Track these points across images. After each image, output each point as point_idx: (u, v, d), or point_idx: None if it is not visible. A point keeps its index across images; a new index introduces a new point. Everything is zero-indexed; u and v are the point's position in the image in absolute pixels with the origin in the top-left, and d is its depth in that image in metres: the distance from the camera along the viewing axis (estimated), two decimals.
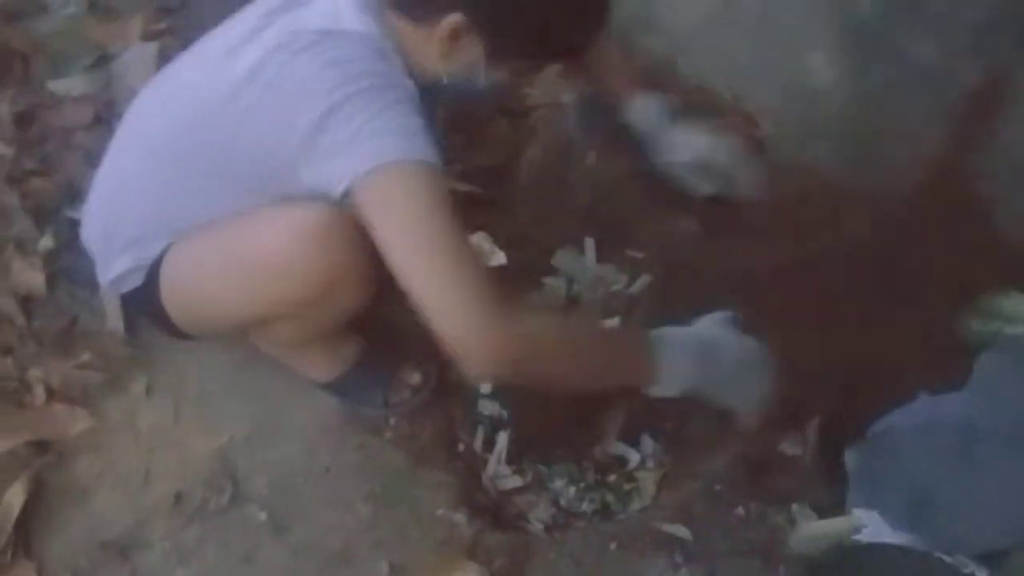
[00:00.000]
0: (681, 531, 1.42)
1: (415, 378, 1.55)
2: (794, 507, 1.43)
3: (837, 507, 1.41)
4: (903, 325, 1.53)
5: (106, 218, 1.39)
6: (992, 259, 1.52)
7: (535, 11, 1.18)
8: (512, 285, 1.65)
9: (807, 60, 1.66)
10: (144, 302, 1.39)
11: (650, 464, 1.55)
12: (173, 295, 1.36)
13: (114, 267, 1.38)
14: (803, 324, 1.53)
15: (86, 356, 1.53)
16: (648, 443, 1.58)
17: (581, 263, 1.76)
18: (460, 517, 1.45)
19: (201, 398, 1.55)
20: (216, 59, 1.27)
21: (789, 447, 1.51)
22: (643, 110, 1.53)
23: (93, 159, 1.64)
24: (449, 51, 1.21)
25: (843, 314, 1.56)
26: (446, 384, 1.58)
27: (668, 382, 1.23)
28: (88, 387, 1.53)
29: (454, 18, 1.18)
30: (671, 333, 1.26)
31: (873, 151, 1.61)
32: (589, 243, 1.76)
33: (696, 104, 1.74)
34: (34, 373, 1.50)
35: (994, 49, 1.43)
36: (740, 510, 1.44)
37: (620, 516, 1.51)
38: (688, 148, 1.50)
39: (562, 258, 1.76)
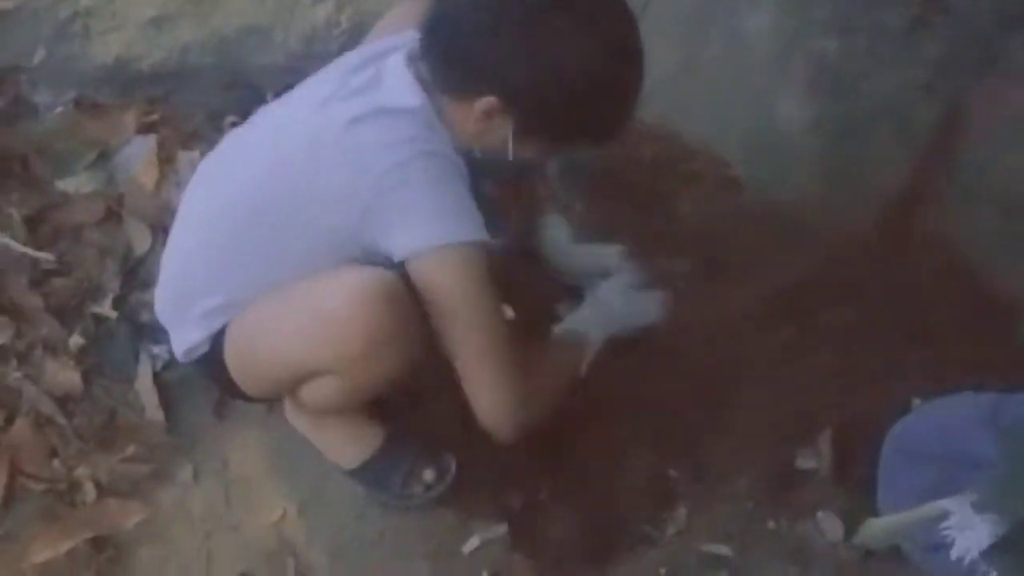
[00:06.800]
0: (722, 549, 1.54)
1: (428, 475, 1.56)
2: (819, 515, 1.57)
3: (859, 511, 1.55)
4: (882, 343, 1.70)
5: (177, 292, 1.47)
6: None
7: (562, 99, 1.29)
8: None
9: (772, 106, 1.81)
10: (211, 367, 1.46)
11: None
12: (236, 356, 1.42)
13: (187, 339, 1.45)
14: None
15: (131, 449, 1.55)
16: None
17: None
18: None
19: (247, 479, 1.59)
20: (296, 119, 1.37)
21: (803, 462, 1.64)
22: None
23: (109, 253, 1.68)
24: (483, 128, 1.33)
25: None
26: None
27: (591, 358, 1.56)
28: (137, 479, 1.54)
29: (489, 100, 1.30)
30: (575, 322, 1.59)
31: (841, 187, 1.77)
32: None
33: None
34: (82, 471, 1.51)
35: (949, 83, 1.61)
36: (771, 524, 1.57)
37: (660, 544, 1.61)
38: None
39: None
